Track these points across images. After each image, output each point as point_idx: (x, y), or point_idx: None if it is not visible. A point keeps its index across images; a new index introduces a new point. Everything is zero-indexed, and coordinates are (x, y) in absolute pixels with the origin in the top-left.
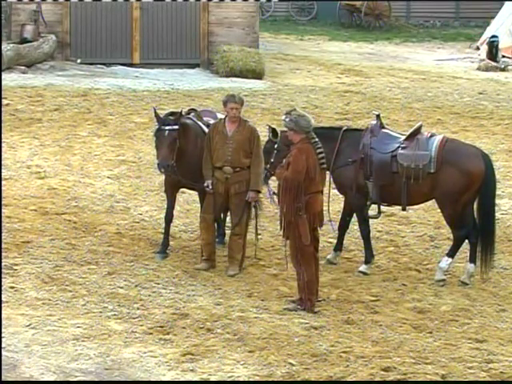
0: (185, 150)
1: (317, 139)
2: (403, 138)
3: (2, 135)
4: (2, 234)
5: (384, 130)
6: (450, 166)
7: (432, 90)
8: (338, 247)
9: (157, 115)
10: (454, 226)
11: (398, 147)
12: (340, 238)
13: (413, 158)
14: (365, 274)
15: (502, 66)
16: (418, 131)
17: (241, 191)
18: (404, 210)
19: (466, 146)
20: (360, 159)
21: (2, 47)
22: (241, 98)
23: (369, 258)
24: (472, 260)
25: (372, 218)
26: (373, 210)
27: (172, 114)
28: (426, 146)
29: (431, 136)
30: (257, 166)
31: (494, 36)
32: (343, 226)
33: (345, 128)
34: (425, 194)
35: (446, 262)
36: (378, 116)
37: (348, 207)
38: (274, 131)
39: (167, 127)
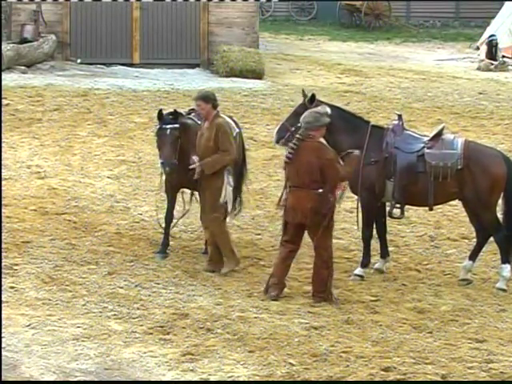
0: (186, 150)
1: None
2: (427, 138)
3: (2, 135)
4: (2, 234)
5: (406, 131)
6: (474, 164)
7: (432, 90)
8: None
9: (160, 114)
10: (493, 229)
11: (424, 147)
12: (382, 244)
13: (441, 157)
14: (361, 277)
15: (502, 62)
16: (441, 132)
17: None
18: (431, 209)
19: (488, 147)
20: (383, 159)
21: (2, 47)
22: (203, 95)
23: (365, 261)
24: (471, 258)
25: (396, 218)
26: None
27: (173, 113)
28: (452, 145)
29: (454, 138)
30: (220, 155)
31: (492, 35)
32: (381, 230)
33: (372, 124)
34: (450, 194)
35: (506, 269)
36: (399, 116)
37: (381, 208)
38: (312, 97)
39: (168, 126)
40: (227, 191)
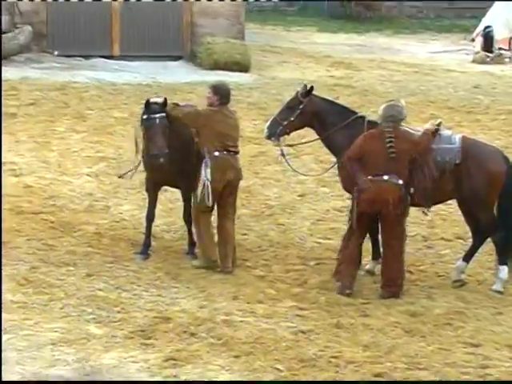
0: (172, 146)
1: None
2: None
3: None
4: None
5: (403, 127)
6: (472, 159)
7: (425, 84)
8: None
9: (148, 103)
10: (490, 230)
11: None
12: (374, 245)
13: (439, 152)
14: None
15: (498, 54)
16: (438, 128)
17: None
18: (429, 207)
19: (487, 144)
20: None
21: None
22: (215, 85)
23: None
24: (465, 259)
25: None
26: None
27: (158, 102)
28: (450, 140)
29: (452, 133)
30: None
31: (488, 26)
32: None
33: (368, 119)
34: (447, 192)
35: (503, 271)
36: None
37: None
38: (309, 91)
39: (157, 115)
40: (204, 185)
